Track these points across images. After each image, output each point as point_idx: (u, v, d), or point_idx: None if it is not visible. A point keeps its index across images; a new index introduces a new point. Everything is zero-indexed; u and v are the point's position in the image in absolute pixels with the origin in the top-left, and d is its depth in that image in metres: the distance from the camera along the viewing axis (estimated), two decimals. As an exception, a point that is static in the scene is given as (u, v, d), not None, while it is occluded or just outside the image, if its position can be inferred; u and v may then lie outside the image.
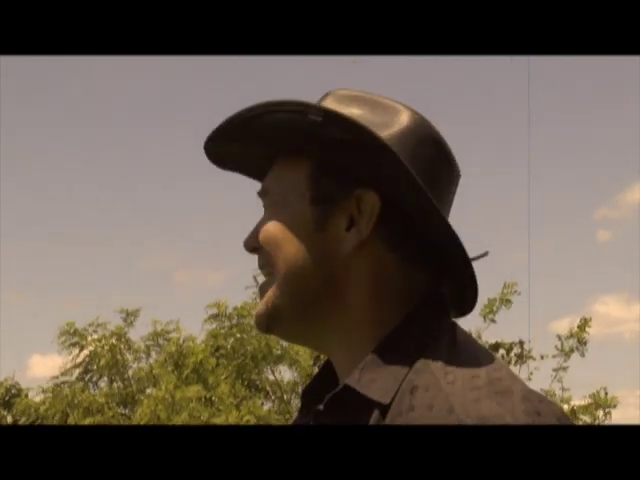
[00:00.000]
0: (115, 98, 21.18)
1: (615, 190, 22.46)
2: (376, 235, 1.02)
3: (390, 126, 1.03)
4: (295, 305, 1.04)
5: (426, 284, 1.05)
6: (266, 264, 1.07)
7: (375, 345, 1.00)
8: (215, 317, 13.17)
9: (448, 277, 1.06)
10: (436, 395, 0.90)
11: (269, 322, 1.06)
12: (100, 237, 20.74)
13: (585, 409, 10.70)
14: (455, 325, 1.05)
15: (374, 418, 0.94)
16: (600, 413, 10.61)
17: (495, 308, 10.74)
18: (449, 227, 0.99)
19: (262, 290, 1.07)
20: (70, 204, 20.97)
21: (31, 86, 21.38)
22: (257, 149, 1.09)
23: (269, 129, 1.03)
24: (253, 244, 1.08)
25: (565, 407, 10.77)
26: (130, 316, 13.56)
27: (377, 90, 1.06)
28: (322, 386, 1.08)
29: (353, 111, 1.04)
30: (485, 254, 1.09)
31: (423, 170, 1.01)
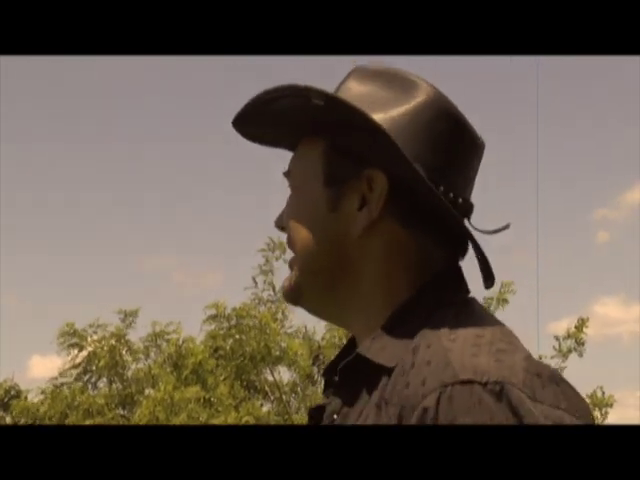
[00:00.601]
0: (113, 95, 21.17)
1: (614, 191, 22.47)
2: (387, 213, 1.04)
3: (403, 102, 1.05)
4: (313, 284, 1.08)
5: (442, 259, 1.07)
6: (290, 245, 1.11)
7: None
8: (214, 318, 13.15)
9: (464, 253, 1.09)
10: (436, 351, 0.91)
11: (292, 298, 1.11)
12: (99, 238, 20.72)
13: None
14: (471, 299, 1.07)
15: (382, 382, 0.95)
16: (597, 413, 10.60)
17: (492, 308, 10.73)
18: (446, 205, 1.01)
19: (290, 266, 1.12)
20: (69, 206, 20.96)
21: (25, 84, 21.37)
22: (281, 130, 1.13)
23: (284, 112, 1.07)
24: (281, 224, 1.13)
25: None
26: (128, 317, 13.53)
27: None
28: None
29: (369, 88, 1.06)
30: (507, 226, 1.10)
31: (434, 143, 1.03)
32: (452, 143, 1.06)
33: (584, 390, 11.55)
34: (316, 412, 1.10)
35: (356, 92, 1.05)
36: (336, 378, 1.05)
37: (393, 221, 1.04)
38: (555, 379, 0.91)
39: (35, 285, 20.13)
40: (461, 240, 1.07)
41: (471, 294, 1.09)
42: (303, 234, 1.08)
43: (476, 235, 1.07)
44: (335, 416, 1.04)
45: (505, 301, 10.87)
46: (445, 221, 1.04)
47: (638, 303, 20.84)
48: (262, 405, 12.86)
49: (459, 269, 1.09)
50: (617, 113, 20.13)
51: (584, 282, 18.63)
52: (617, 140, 19.78)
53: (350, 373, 1.02)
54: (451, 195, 1.04)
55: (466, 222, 1.07)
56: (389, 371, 0.96)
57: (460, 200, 1.06)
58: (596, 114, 19.93)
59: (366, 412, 0.97)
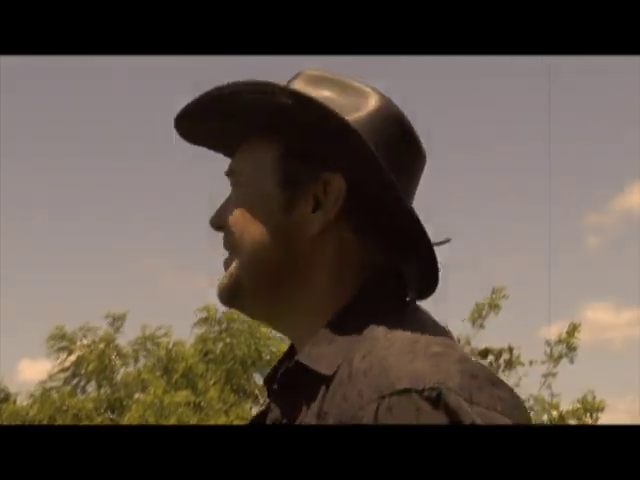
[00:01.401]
0: (104, 96, 21.15)
1: (605, 196, 22.55)
2: (342, 218, 1.03)
3: (358, 109, 1.04)
4: (258, 285, 1.06)
5: (389, 264, 1.07)
6: (231, 243, 1.08)
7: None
8: (204, 321, 13.13)
9: (414, 258, 1.08)
10: (372, 360, 0.91)
11: (230, 295, 1.08)
12: (88, 241, 20.66)
13: (573, 413, 10.71)
14: (411, 303, 1.06)
15: (322, 391, 0.94)
16: (588, 418, 10.63)
17: (484, 313, 10.74)
18: (410, 209, 1.01)
19: (225, 265, 1.09)
20: (57, 208, 20.90)
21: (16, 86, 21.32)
22: (227, 128, 1.10)
23: (238, 109, 1.04)
24: (219, 223, 1.10)
25: (554, 413, 10.80)
26: (117, 320, 13.50)
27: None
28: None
29: (323, 93, 1.05)
30: (447, 240, 1.11)
31: (388, 152, 1.03)
32: (402, 152, 1.06)
33: (575, 395, 11.59)
34: (258, 421, 1.09)
35: (316, 95, 1.03)
36: (275, 386, 1.03)
37: (347, 225, 1.04)
38: (491, 380, 0.91)
39: (24, 287, 20.06)
40: (413, 245, 1.06)
41: (409, 298, 1.09)
42: (252, 234, 1.05)
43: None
44: None
45: (497, 307, 10.88)
46: (398, 227, 1.04)
47: (629, 308, 20.91)
48: (252, 409, 12.83)
49: (399, 273, 1.08)
50: (609, 118, 20.21)
51: (575, 287, 18.69)
52: (609, 145, 19.87)
53: (290, 381, 1.00)
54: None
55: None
56: (328, 379, 0.95)
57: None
58: (589, 119, 20.01)
59: (306, 423, 0.96)
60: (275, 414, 1.04)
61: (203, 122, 1.10)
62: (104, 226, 20.32)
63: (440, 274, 1.07)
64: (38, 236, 21.06)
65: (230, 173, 1.11)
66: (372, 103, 1.05)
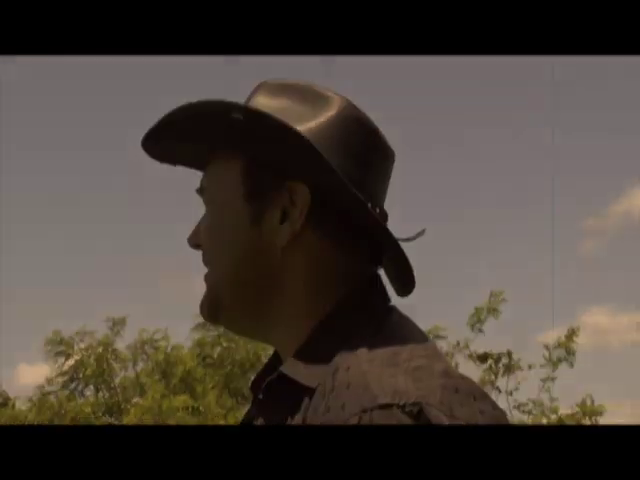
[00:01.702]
0: (105, 101, 21.17)
1: (603, 201, 22.57)
2: (310, 226, 1.04)
3: (318, 115, 1.05)
4: (235, 301, 1.07)
5: (364, 270, 1.07)
6: (207, 260, 1.10)
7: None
8: (203, 325, 13.13)
9: (385, 260, 1.09)
10: (354, 374, 0.92)
11: (210, 313, 1.10)
12: (87, 244, 20.68)
13: (571, 417, 10.71)
14: (392, 310, 1.07)
15: (305, 402, 0.95)
16: (587, 421, 10.63)
17: (482, 317, 10.74)
18: (369, 212, 1.02)
19: (205, 281, 1.11)
20: (57, 212, 20.92)
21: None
22: (194, 146, 1.12)
23: (199, 128, 1.06)
24: (196, 241, 1.12)
25: (553, 417, 10.79)
26: (117, 325, 13.51)
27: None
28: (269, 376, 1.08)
29: (282, 102, 1.07)
30: (422, 233, 1.12)
31: (351, 155, 1.04)
32: (367, 154, 1.07)
33: (574, 399, 11.58)
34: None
35: (270, 106, 1.05)
36: (260, 396, 1.04)
37: (316, 233, 1.04)
38: (473, 393, 0.92)
39: (23, 290, 20.06)
40: (383, 247, 1.07)
41: (392, 303, 1.09)
42: (223, 248, 1.07)
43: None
44: None
45: (495, 310, 10.89)
46: (367, 230, 1.05)
47: (627, 312, 20.92)
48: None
49: (376, 277, 1.09)
50: (607, 121, 20.24)
51: (573, 291, 18.70)
52: (607, 149, 19.89)
53: (273, 391, 1.01)
54: (369, 205, 1.04)
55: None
56: (311, 391, 0.95)
57: (377, 209, 1.07)
58: (593, 122, 20.04)
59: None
60: (259, 423, 1.05)
61: (170, 142, 1.12)
62: (103, 227, 20.34)
63: (413, 272, 1.08)
64: (39, 241, 21.07)
65: (200, 191, 1.13)
66: (331, 108, 1.06)
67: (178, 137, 1.10)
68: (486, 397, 0.94)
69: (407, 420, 0.86)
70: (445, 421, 0.87)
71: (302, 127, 1.03)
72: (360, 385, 0.90)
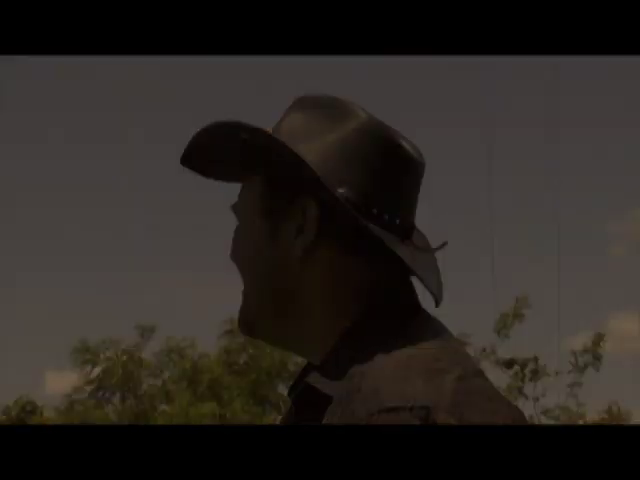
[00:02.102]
0: (123, 110, 21.33)
1: (629, 205, 22.38)
2: (324, 240, 1.06)
3: (335, 129, 1.09)
4: (263, 313, 1.11)
5: (379, 281, 1.08)
6: (241, 276, 1.15)
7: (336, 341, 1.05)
8: (229, 333, 13.18)
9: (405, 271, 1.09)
10: (367, 379, 0.93)
11: (246, 329, 1.14)
12: (117, 254, 20.84)
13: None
14: (415, 312, 1.07)
15: (328, 411, 0.96)
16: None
17: (509, 323, 10.70)
18: (369, 228, 1.04)
19: (243, 297, 1.15)
20: (85, 220, 21.10)
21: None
22: (225, 166, 1.17)
23: (219, 150, 1.12)
24: (233, 257, 1.16)
25: (580, 422, 10.72)
26: (147, 332, 13.60)
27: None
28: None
29: (305, 118, 1.11)
30: (444, 244, 1.13)
31: (370, 170, 1.07)
32: (384, 166, 1.09)
33: (600, 405, 11.50)
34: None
35: (295, 122, 1.11)
36: (292, 404, 1.08)
37: (330, 247, 1.07)
38: (487, 395, 0.92)
39: (52, 300, 20.24)
40: (396, 257, 1.06)
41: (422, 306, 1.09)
42: (251, 264, 1.12)
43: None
44: None
45: (521, 316, 10.84)
46: (375, 241, 1.05)
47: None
48: (277, 420, 12.85)
49: (399, 287, 1.10)
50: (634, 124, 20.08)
51: (600, 296, 18.53)
52: (635, 153, 19.73)
53: (302, 399, 1.04)
54: (386, 217, 1.07)
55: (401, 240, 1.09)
56: (332, 399, 0.97)
57: (397, 221, 1.08)
58: (612, 124, 19.89)
59: None
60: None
61: (202, 164, 1.17)
62: (133, 239, 20.49)
63: (429, 285, 1.09)
64: (68, 249, 21.25)
65: (234, 210, 1.18)
66: (353, 123, 1.09)
67: (209, 159, 1.16)
68: (501, 398, 0.94)
69: (414, 423, 0.86)
70: (453, 424, 0.86)
71: (319, 142, 1.08)
72: (370, 390, 0.91)
